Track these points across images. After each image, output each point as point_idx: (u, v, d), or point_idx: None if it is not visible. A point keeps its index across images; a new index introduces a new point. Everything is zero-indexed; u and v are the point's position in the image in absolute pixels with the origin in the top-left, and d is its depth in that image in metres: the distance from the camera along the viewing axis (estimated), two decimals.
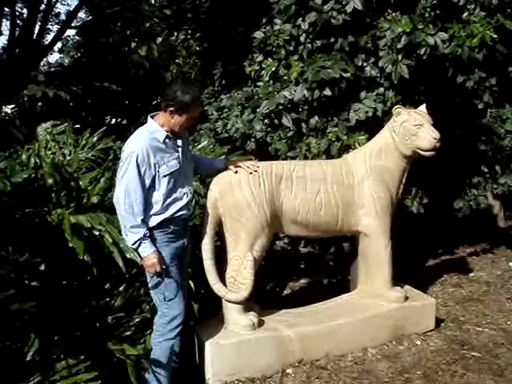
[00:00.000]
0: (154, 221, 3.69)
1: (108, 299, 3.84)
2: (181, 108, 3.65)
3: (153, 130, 3.69)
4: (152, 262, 3.63)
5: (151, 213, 3.67)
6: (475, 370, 4.28)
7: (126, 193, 3.56)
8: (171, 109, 3.65)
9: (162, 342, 3.76)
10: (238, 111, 5.87)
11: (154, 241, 3.68)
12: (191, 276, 4.26)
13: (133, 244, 3.61)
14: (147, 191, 3.64)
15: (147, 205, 3.65)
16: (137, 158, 3.55)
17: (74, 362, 3.19)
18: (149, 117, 3.77)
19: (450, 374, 4.23)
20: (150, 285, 3.80)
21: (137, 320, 3.83)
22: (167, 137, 3.71)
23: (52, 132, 5.21)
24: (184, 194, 3.83)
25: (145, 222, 3.63)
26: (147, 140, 3.64)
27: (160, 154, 3.67)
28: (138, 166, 3.56)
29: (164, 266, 3.71)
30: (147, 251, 3.63)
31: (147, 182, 3.62)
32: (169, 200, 3.72)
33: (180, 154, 3.80)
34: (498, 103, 5.96)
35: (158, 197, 3.68)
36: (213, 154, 5.38)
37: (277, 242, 5.56)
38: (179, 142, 3.81)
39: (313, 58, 5.23)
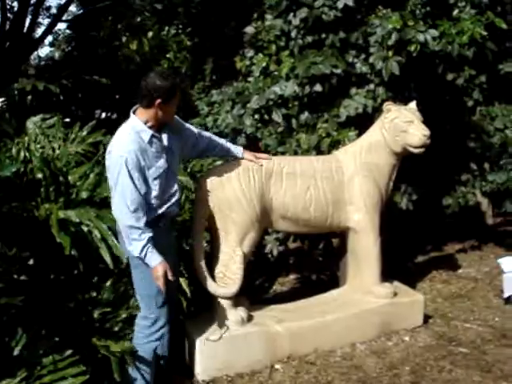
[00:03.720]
0: (146, 218, 3.52)
1: (95, 294, 3.82)
2: (168, 96, 3.47)
3: (138, 130, 3.49)
4: (158, 275, 3.47)
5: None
6: (463, 366, 4.30)
7: (123, 201, 3.40)
8: (159, 101, 3.44)
9: (145, 343, 3.66)
10: (228, 106, 5.86)
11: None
12: (181, 271, 4.27)
13: (140, 252, 3.43)
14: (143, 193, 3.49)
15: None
16: (126, 162, 3.37)
17: (61, 357, 3.18)
18: (131, 113, 3.57)
19: (437, 370, 4.25)
20: (134, 284, 3.71)
21: (124, 316, 3.80)
22: (152, 136, 3.53)
23: (41, 126, 5.19)
24: (174, 191, 3.72)
25: (147, 226, 3.46)
26: (134, 142, 3.45)
27: (147, 155, 3.50)
28: (129, 170, 3.38)
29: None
30: (155, 261, 3.46)
31: (142, 185, 3.47)
32: (160, 200, 3.61)
33: (166, 153, 3.63)
34: (488, 101, 5.97)
35: (149, 199, 3.54)
36: None
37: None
38: (164, 139, 3.62)
39: (303, 54, 5.23)
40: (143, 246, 3.42)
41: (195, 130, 4.05)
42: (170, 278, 3.50)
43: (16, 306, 3.29)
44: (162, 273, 3.46)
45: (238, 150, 4.30)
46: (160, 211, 3.63)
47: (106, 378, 3.41)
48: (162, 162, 3.59)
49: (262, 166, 4.29)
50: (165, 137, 3.63)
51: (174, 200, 3.72)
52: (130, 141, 3.44)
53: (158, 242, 3.59)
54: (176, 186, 3.76)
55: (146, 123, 3.51)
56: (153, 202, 3.57)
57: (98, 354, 3.46)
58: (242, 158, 4.27)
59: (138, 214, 3.42)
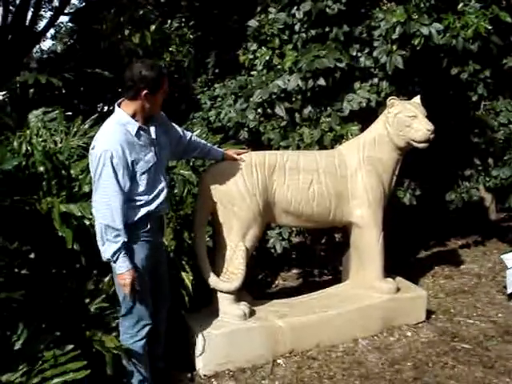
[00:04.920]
0: (134, 216, 3.41)
1: (94, 288, 3.80)
2: (154, 86, 3.33)
3: (124, 122, 3.34)
4: (125, 282, 3.36)
5: (131, 209, 3.39)
6: (465, 362, 4.29)
7: (104, 198, 3.26)
8: (145, 92, 3.31)
9: (132, 343, 3.59)
10: (231, 100, 5.85)
11: (130, 238, 3.37)
12: (183, 265, 4.26)
13: (112, 256, 3.30)
14: (128, 189, 3.34)
15: (127, 202, 3.34)
16: (111, 157, 3.22)
17: (63, 352, 3.18)
18: (116, 106, 3.42)
19: (440, 366, 4.25)
20: (115, 284, 3.55)
21: None
22: (140, 129, 3.38)
23: (43, 119, 5.16)
24: (162, 187, 3.55)
25: (124, 229, 3.31)
26: (120, 135, 3.30)
27: (135, 149, 3.35)
28: (113, 165, 3.23)
29: (137, 266, 3.45)
30: (124, 268, 3.33)
31: (126, 182, 3.31)
32: (148, 197, 3.45)
33: (155, 146, 3.49)
34: (492, 96, 5.96)
35: (136, 196, 3.40)
36: None
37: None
38: (152, 131, 3.48)
39: (307, 48, 5.21)
40: (116, 250, 3.30)
41: (179, 128, 3.92)
42: (136, 287, 3.40)
43: (17, 301, 3.28)
44: (129, 280, 3.35)
45: (218, 152, 4.23)
46: (148, 209, 3.46)
47: (103, 372, 3.40)
48: (150, 156, 3.44)
49: (264, 160, 4.28)
50: (152, 129, 3.49)
51: (162, 197, 3.55)
52: (116, 134, 3.30)
53: (150, 242, 3.53)
54: (164, 183, 3.58)
55: (133, 116, 3.38)
56: (140, 198, 3.42)
57: (94, 349, 3.46)
58: (224, 160, 4.22)
59: (117, 214, 3.27)
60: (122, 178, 3.29)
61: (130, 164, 3.33)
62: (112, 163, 3.24)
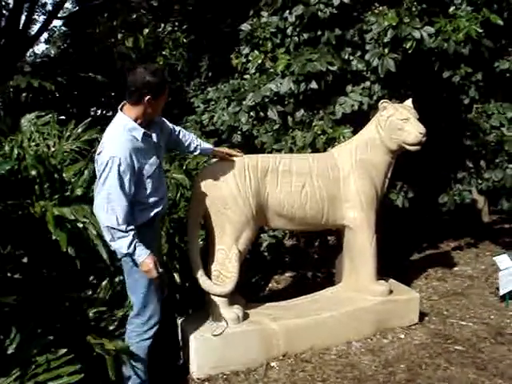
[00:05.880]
0: (144, 218, 3.51)
1: (91, 293, 3.80)
2: (157, 91, 3.38)
3: (130, 128, 3.38)
4: (150, 268, 3.39)
5: (142, 212, 3.49)
6: (458, 364, 4.30)
7: (108, 201, 3.29)
8: (148, 97, 3.35)
9: (138, 342, 3.61)
10: (224, 104, 5.85)
11: (140, 239, 3.39)
12: (176, 267, 4.26)
13: (128, 248, 3.32)
14: (132, 194, 3.39)
15: (136, 206, 3.44)
16: (119, 164, 3.26)
17: (56, 356, 3.17)
18: (119, 110, 3.46)
19: (433, 368, 4.25)
20: (127, 283, 3.63)
21: (119, 315, 3.78)
22: (144, 134, 3.43)
23: (36, 123, 5.15)
24: (165, 189, 3.68)
25: (131, 225, 3.35)
26: (127, 141, 3.35)
27: (140, 154, 3.41)
28: (120, 171, 3.28)
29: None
30: (144, 254, 3.38)
31: (131, 187, 3.35)
32: (156, 198, 3.53)
33: (156, 149, 3.56)
34: (484, 98, 5.97)
35: (146, 198, 3.48)
36: None
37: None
38: (154, 136, 3.53)
39: (299, 51, 5.23)
40: (130, 242, 3.32)
41: (170, 123, 3.94)
42: (159, 270, 3.46)
43: (10, 305, 3.27)
44: (152, 265, 3.40)
45: (208, 147, 4.22)
46: (157, 210, 3.56)
47: (100, 376, 3.40)
48: (153, 160, 3.51)
49: (257, 163, 4.29)
50: (154, 134, 3.55)
51: (166, 199, 3.66)
52: (124, 140, 3.34)
53: (154, 240, 3.61)
54: (164, 186, 3.70)
55: (135, 120, 3.41)
56: (149, 201, 3.51)
57: (92, 353, 3.45)
58: (214, 156, 4.27)
59: (121, 217, 3.30)
60: (128, 183, 3.33)
61: (136, 170, 3.38)
62: (119, 170, 3.28)
